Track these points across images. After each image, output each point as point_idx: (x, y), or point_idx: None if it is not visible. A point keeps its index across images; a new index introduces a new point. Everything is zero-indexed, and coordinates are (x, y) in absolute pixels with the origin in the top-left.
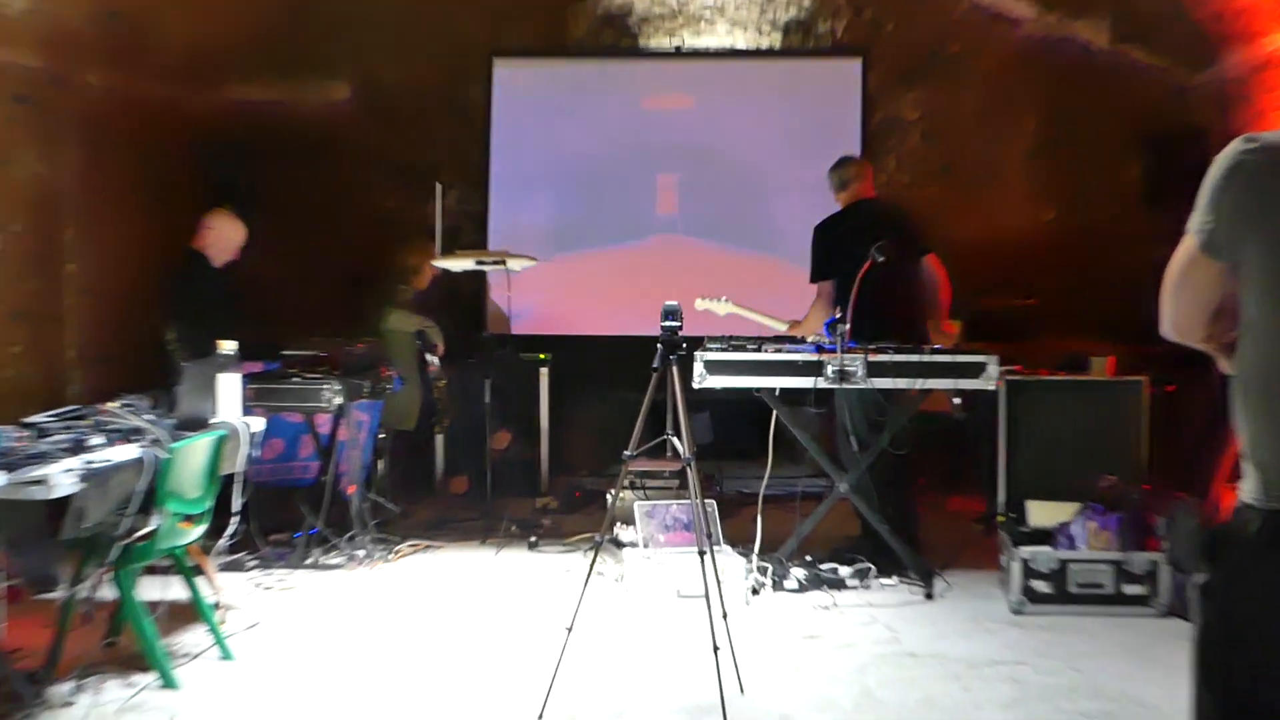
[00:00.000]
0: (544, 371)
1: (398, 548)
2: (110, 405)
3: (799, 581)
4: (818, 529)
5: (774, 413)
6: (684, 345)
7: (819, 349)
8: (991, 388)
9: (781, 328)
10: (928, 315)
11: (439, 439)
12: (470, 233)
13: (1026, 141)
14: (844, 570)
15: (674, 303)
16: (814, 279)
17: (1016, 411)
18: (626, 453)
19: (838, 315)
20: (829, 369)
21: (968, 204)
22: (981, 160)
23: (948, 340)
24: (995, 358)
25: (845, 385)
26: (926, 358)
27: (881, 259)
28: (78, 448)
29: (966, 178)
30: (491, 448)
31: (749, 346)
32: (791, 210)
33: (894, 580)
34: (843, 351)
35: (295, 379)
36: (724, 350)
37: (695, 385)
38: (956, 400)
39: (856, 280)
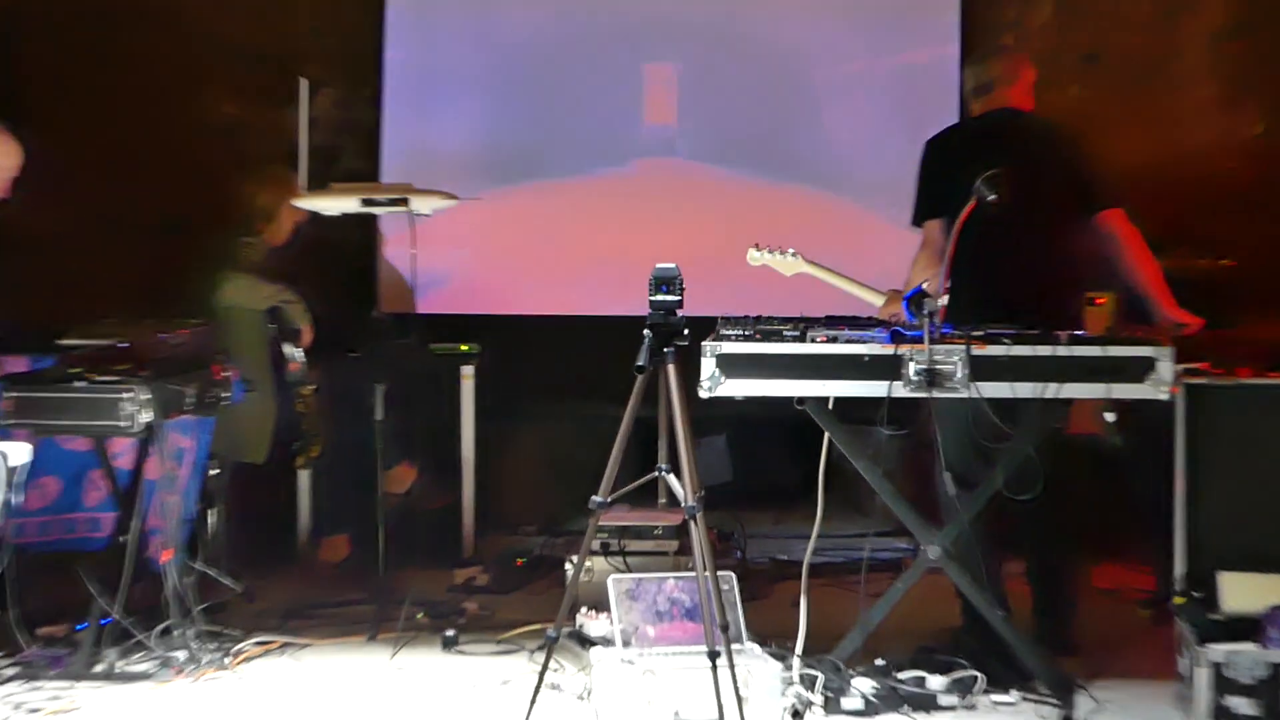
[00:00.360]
0: (468, 372)
1: (239, 647)
2: None
3: (865, 699)
4: (894, 616)
5: (825, 436)
6: (685, 331)
7: (895, 335)
8: (1163, 397)
9: (878, 301)
10: (1074, 296)
11: (304, 477)
12: (354, 157)
13: (1215, 16)
14: (935, 681)
15: (670, 265)
16: (916, 219)
17: (1202, 433)
18: (596, 498)
19: (925, 284)
20: (911, 367)
21: (1124, 112)
22: (1146, 45)
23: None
24: (1168, 350)
25: (937, 394)
26: (1063, 350)
27: (992, 197)
28: None
29: (1122, 72)
30: (387, 491)
31: (787, 331)
32: (856, 120)
33: (1013, 697)
34: (931, 340)
35: (79, 384)
36: (748, 338)
37: (704, 394)
38: (1109, 416)
39: (954, 231)
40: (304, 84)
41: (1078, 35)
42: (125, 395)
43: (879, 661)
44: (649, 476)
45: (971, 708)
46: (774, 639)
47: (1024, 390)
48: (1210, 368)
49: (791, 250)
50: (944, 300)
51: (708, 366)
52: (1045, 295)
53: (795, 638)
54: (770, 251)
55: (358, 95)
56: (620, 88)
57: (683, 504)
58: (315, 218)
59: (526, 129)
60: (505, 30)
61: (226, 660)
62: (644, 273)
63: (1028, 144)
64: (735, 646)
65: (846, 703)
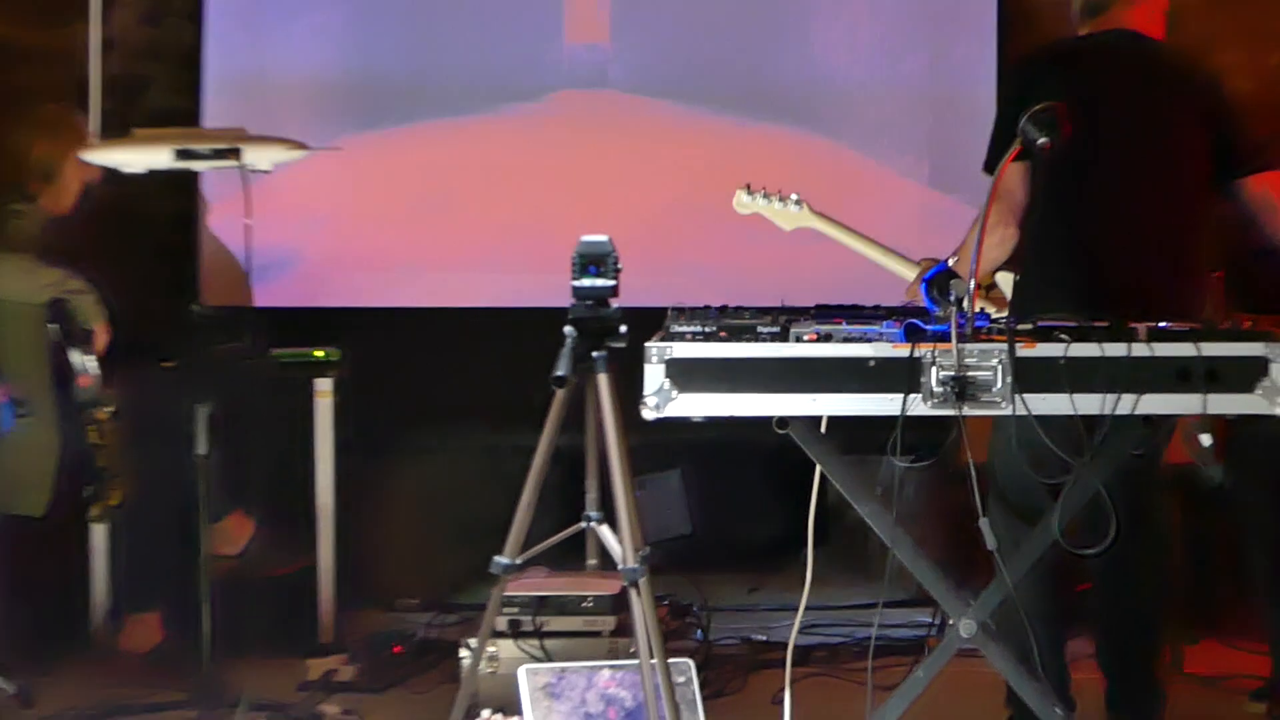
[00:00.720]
0: (324, 388)
1: None
2: None
3: None
4: (915, 716)
5: (816, 471)
6: (623, 328)
7: (911, 330)
8: (1277, 411)
9: (909, 275)
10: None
11: (99, 533)
12: (165, 92)
13: None
14: None
15: (600, 238)
16: (988, 164)
17: None
18: (501, 559)
19: (950, 260)
20: (933, 375)
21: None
22: None
23: None
24: None
25: (969, 410)
26: (1141, 349)
27: (1042, 140)
28: None
29: None
30: (213, 552)
31: (762, 327)
32: (855, 35)
33: None
34: (960, 337)
35: None
36: (708, 337)
37: (650, 414)
38: (1205, 439)
39: (991, 189)
40: None
41: None
42: None
43: None
44: (574, 529)
45: None
46: None
47: (1087, 405)
48: None
49: (795, 197)
50: (975, 279)
51: (654, 376)
52: (1176, 287)
53: None
54: (766, 197)
55: (169, 6)
56: None
57: (620, 566)
58: (112, 176)
59: (403, 51)
60: None
61: None
62: (566, 248)
63: (1152, 78)
64: None
65: None
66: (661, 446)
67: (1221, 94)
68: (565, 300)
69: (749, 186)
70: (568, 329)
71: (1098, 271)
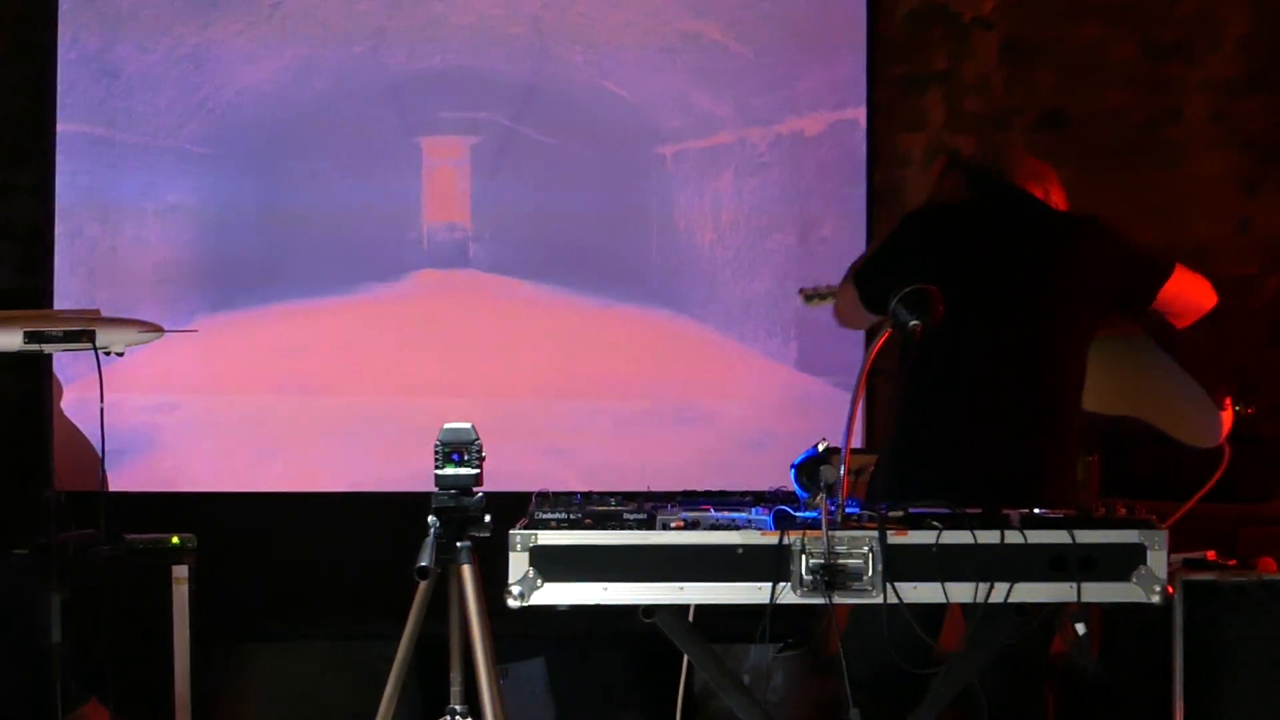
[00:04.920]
0: (181, 575)
1: None
2: None
3: None
4: None
5: (685, 660)
6: (487, 518)
7: (780, 518)
8: (1155, 600)
9: None
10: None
11: None
12: (11, 271)
13: (1222, 64)
14: None
15: (464, 425)
16: (860, 284)
17: (1208, 648)
18: None
19: (820, 444)
20: (803, 563)
21: (1099, 192)
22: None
23: None
24: (1161, 535)
25: (839, 599)
26: (1014, 536)
27: (914, 323)
28: None
29: (1096, 138)
30: None
31: (628, 514)
32: (720, 214)
33: None
34: (830, 523)
35: None
36: (573, 524)
37: (514, 603)
38: (1080, 628)
39: (862, 369)
40: None
41: (1035, 89)
42: None
43: None
44: None
45: None
46: None
47: (960, 593)
48: (1218, 558)
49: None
50: (844, 467)
51: (518, 565)
52: (1049, 472)
53: None
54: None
55: (16, 180)
56: (390, 171)
57: None
58: None
59: (260, 229)
60: (225, 90)
61: None
62: (428, 435)
63: (1030, 245)
64: None
65: None
66: (526, 636)
67: (1107, 241)
68: (428, 486)
69: (802, 289)
70: (431, 519)
71: (967, 455)
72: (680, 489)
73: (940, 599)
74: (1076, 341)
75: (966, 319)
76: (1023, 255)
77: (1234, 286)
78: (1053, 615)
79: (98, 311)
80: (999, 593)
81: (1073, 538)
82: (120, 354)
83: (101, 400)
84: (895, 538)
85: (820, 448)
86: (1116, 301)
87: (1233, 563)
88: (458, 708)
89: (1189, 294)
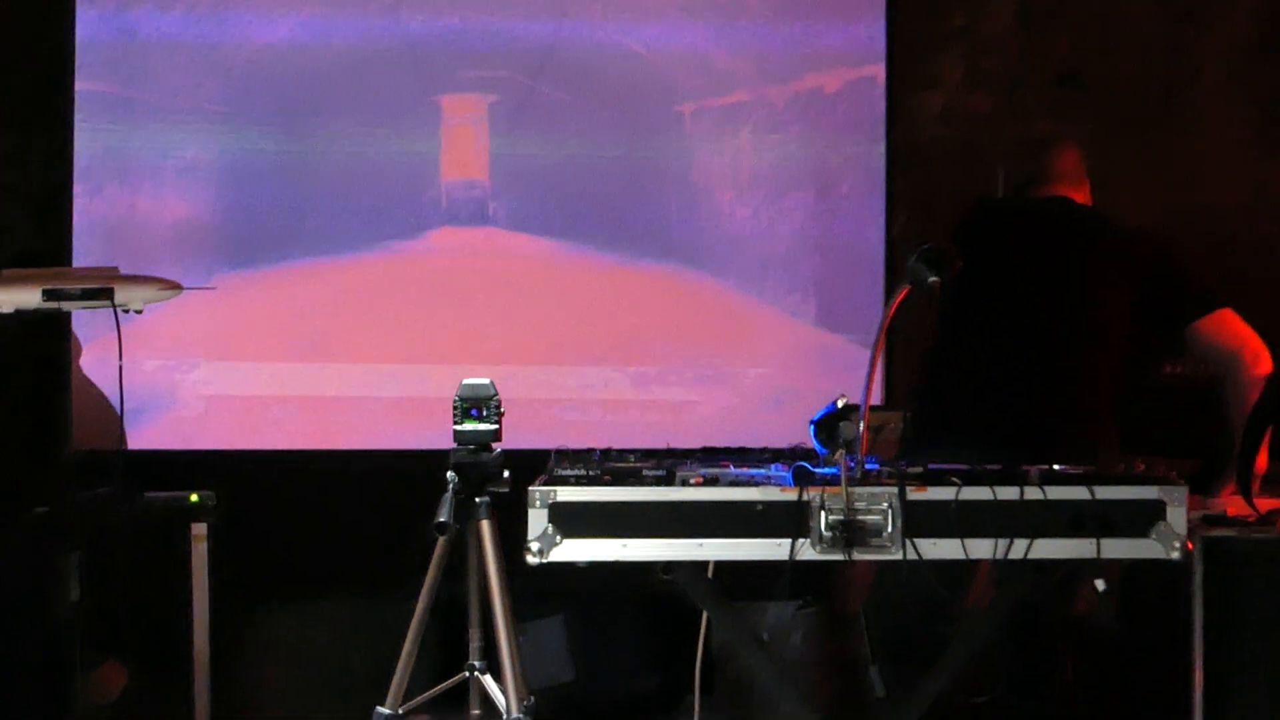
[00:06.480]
0: (200, 532)
1: None
2: None
3: None
4: None
5: (704, 617)
6: (506, 473)
7: (799, 474)
8: (1175, 556)
9: None
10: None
11: None
12: (29, 232)
13: (1239, 26)
14: None
15: (482, 381)
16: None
17: (1229, 606)
18: (382, 710)
19: (839, 401)
20: (822, 519)
21: (1112, 154)
22: (1146, 64)
23: None
24: (1181, 490)
25: (859, 555)
26: (1033, 492)
27: (933, 279)
28: None
29: (1111, 99)
30: (88, 699)
31: (647, 470)
32: (739, 172)
33: None
34: (850, 481)
35: None
36: (592, 480)
37: (533, 560)
38: (1099, 585)
39: (883, 321)
40: None
41: (1050, 49)
42: None
43: None
44: (457, 678)
45: None
46: None
47: (979, 550)
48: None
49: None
50: (861, 428)
51: (537, 522)
52: (1070, 430)
53: None
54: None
55: (30, 141)
56: (408, 129)
57: (505, 716)
58: None
59: (278, 188)
60: (243, 49)
61: None
62: (446, 391)
63: (1074, 242)
64: None
65: None
66: (545, 593)
67: (1149, 254)
68: (446, 442)
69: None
70: (450, 475)
71: (991, 412)
72: (700, 445)
73: (959, 555)
74: (1108, 320)
75: (1003, 293)
76: (1064, 248)
77: (1255, 246)
78: (1071, 577)
79: (116, 269)
80: (1018, 549)
81: (1092, 494)
82: (139, 311)
83: (120, 358)
84: (914, 494)
85: (839, 404)
86: (1148, 310)
87: (1252, 517)
88: (476, 664)
89: (1230, 339)
